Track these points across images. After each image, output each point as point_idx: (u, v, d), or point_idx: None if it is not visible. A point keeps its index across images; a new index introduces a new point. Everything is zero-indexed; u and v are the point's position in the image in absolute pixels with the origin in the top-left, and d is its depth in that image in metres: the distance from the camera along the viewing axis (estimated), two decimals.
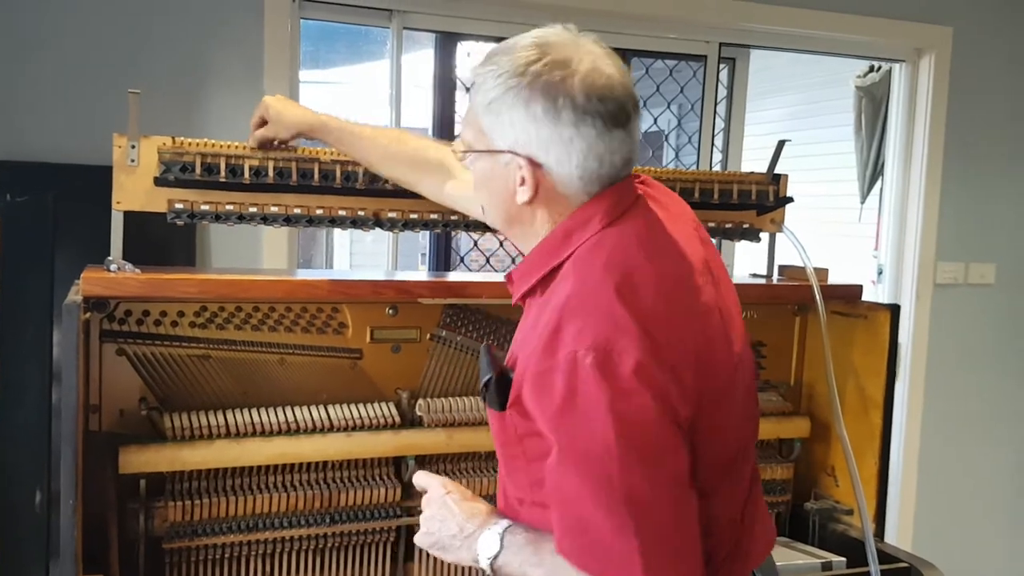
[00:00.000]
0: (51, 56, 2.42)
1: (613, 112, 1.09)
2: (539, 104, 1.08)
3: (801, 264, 1.91)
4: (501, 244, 3.25)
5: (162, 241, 2.36)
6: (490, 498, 1.63)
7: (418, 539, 1.25)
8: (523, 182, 1.12)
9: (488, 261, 3.30)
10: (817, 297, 1.82)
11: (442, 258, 3.04)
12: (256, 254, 2.61)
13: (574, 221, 1.14)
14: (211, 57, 2.55)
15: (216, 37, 2.55)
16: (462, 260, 3.21)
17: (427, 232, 1.83)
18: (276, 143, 1.60)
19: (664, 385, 1.03)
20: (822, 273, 1.91)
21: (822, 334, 1.82)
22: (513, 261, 3.65)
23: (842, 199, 5.19)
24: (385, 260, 2.91)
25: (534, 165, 1.11)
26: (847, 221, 5.18)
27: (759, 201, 1.92)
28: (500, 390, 1.13)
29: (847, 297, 1.98)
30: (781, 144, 1.98)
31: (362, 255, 6.95)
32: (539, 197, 1.13)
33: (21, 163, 2.36)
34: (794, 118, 5.93)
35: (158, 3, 2.50)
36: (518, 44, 1.12)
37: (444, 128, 2.96)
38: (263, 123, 1.60)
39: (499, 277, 1.76)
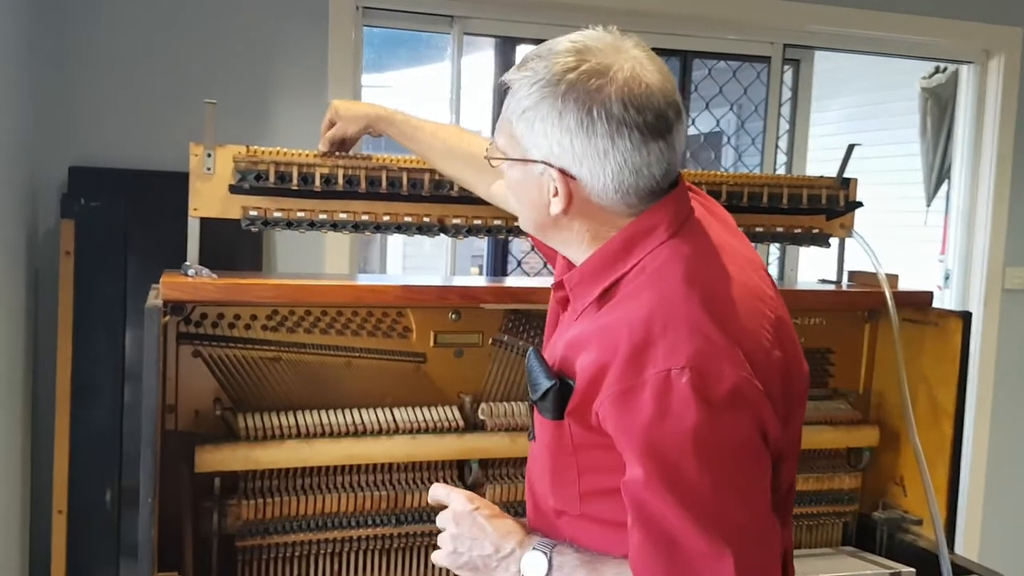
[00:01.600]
0: (124, 66, 2.50)
1: (651, 122, 1.03)
2: (572, 115, 1.03)
3: (870, 269, 1.89)
4: None
5: (230, 246, 2.41)
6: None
7: (440, 559, 1.17)
8: (556, 193, 1.08)
9: (545, 265, 3.30)
10: (890, 304, 1.79)
11: (499, 263, 3.06)
12: (319, 258, 2.66)
13: (635, 230, 1.09)
14: (277, 65, 2.60)
15: (283, 46, 2.60)
16: (519, 264, 3.22)
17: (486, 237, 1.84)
18: (345, 143, 1.64)
19: (759, 406, 1.00)
20: (892, 279, 1.88)
21: (894, 342, 1.79)
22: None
23: (906, 202, 5.09)
24: (440, 264, 2.93)
25: (567, 177, 1.06)
26: (912, 225, 5.08)
27: (829, 205, 1.89)
28: (558, 398, 1.08)
29: (917, 304, 1.93)
30: (851, 148, 1.95)
31: (416, 257, 7.01)
32: (573, 208, 1.08)
33: (95, 169, 2.43)
34: (853, 119, 5.83)
35: (227, 14, 2.56)
36: (555, 49, 1.07)
37: None
38: (332, 125, 1.64)
39: None
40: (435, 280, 1.81)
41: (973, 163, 3.44)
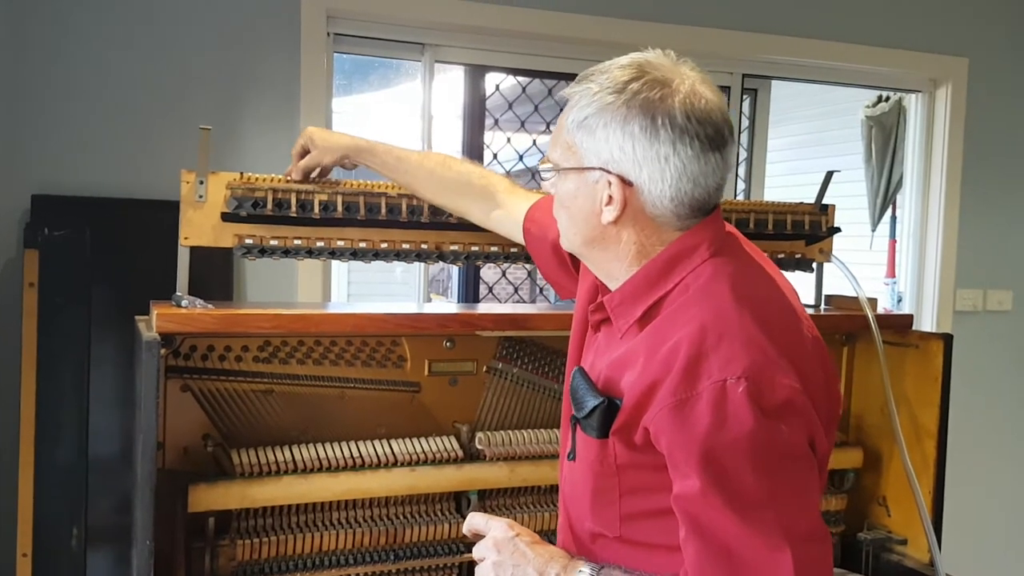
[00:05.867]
0: (89, 92, 2.42)
1: (711, 135, 1.07)
2: (636, 121, 1.05)
3: (846, 293, 1.93)
4: (529, 274, 3.25)
5: (200, 273, 2.35)
6: (549, 533, 1.63)
7: None
8: (610, 201, 1.09)
9: (516, 291, 3.30)
10: (874, 327, 1.82)
11: (470, 289, 3.04)
12: (290, 285, 2.61)
13: (678, 248, 1.10)
14: (249, 91, 2.56)
15: (254, 72, 2.56)
16: (490, 290, 3.21)
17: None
18: (318, 172, 1.60)
19: (809, 417, 1.02)
20: (872, 303, 1.92)
21: (880, 363, 1.83)
22: (541, 291, 3.66)
23: (851, 227, 5.22)
24: (387, 291, 2.90)
25: (625, 184, 1.08)
26: (857, 249, 5.21)
27: (812, 231, 1.93)
28: (604, 417, 1.09)
29: (897, 327, 1.98)
30: (829, 175, 2.00)
31: (360, 284, 6.96)
32: (626, 217, 1.10)
33: (59, 197, 2.35)
34: (799, 147, 5.98)
35: (197, 40, 2.51)
36: (615, 64, 1.10)
37: (473, 156, 2.97)
38: (305, 152, 1.60)
39: (557, 309, 1.77)
40: (434, 308, 1.78)
41: (923, 189, 3.56)
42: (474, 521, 1.20)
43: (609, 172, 1.08)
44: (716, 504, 0.99)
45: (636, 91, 1.06)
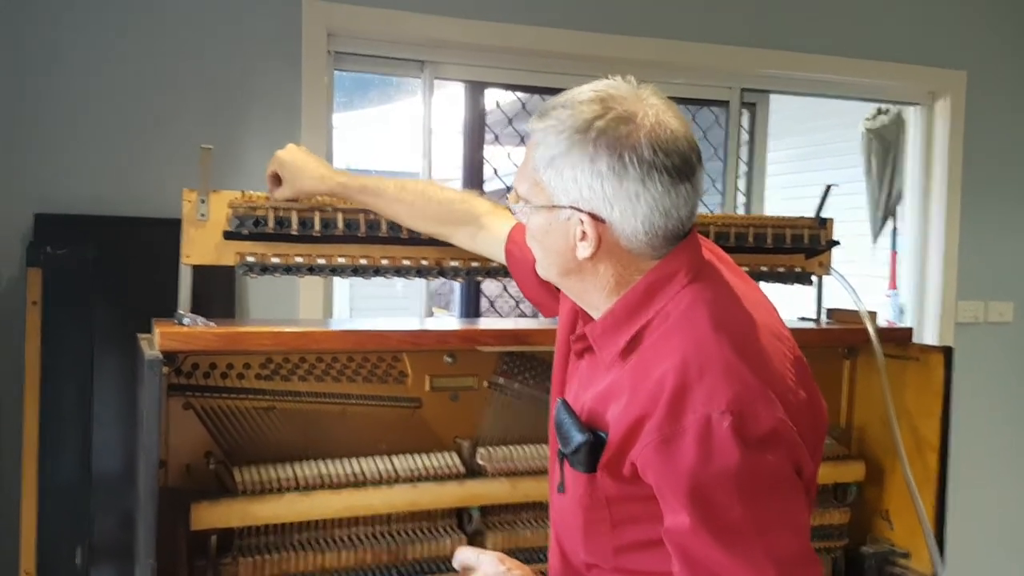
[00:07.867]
0: (91, 109, 2.44)
1: (678, 166, 1.06)
2: (604, 160, 1.05)
3: (847, 307, 1.93)
4: None
5: (202, 291, 2.35)
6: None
7: None
8: (584, 237, 1.09)
9: (518, 305, 3.30)
10: (874, 340, 1.83)
11: (471, 303, 3.04)
12: (292, 302, 2.61)
13: (656, 276, 1.10)
14: (250, 108, 2.57)
15: (255, 90, 2.58)
16: (492, 304, 3.21)
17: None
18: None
19: (793, 445, 1.02)
20: (872, 316, 1.92)
21: (880, 377, 1.84)
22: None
23: (851, 239, 5.23)
24: (391, 306, 2.90)
25: (597, 221, 1.08)
26: (858, 261, 5.21)
27: (811, 244, 1.93)
28: (591, 452, 1.08)
29: (898, 340, 1.98)
30: (828, 189, 2.01)
31: (362, 298, 6.97)
32: (601, 251, 1.09)
33: (61, 215, 2.36)
34: (799, 160, 6.00)
35: (199, 58, 2.52)
36: (578, 98, 1.08)
37: (473, 171, 2.99)
38: (277, 178, 1.58)
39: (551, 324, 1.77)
40: (435, 324, 1.79)
41: (923, 202, 3.57)
42: (464, 555, 1.19)
43: (580, 210, 1.08)
44: (706, 538, 0.99)
45: (602, 129, 1.05)
